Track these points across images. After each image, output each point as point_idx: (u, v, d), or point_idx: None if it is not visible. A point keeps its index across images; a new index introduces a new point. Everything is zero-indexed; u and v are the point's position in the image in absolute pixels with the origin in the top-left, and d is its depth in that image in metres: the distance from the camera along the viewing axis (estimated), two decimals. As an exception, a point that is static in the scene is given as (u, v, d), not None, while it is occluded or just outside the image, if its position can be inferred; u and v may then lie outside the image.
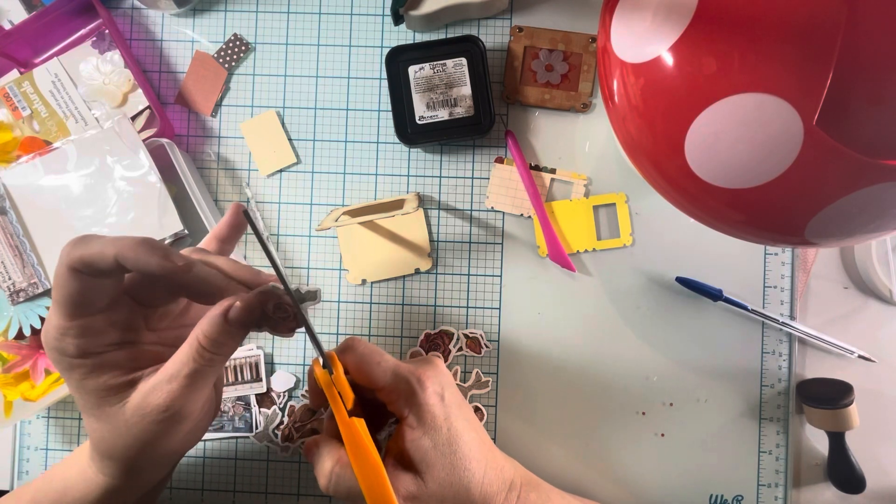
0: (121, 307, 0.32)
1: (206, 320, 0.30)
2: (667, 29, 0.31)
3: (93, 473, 0.34)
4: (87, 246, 0.28)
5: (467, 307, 0.47)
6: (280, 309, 0.31)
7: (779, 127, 0.29)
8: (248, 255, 0.48)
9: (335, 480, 0.34)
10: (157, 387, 0.30)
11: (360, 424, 0.34)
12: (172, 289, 0.32)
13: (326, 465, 0.34)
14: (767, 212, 0.32)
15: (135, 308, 0.33)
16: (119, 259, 0.28)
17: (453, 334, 0.47)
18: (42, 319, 0.44)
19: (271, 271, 0.34)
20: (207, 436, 0.48)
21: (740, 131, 0.30)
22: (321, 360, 0.34)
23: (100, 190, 0.44)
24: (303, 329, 0.32)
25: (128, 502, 0.35)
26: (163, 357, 0.32)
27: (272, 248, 0.31)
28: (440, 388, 0.36)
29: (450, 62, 0.45)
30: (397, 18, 0.45)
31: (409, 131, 0.45)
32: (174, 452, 0.34)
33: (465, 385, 0.47)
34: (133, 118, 0.47)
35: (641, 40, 0.33)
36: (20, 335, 0.45)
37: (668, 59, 0.31)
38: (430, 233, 0.48)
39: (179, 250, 0.32)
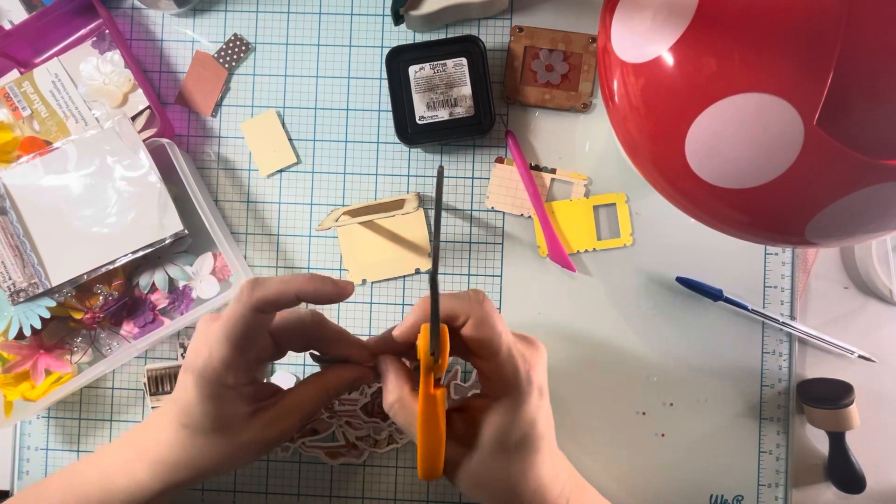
0: (267, 348, 0.35)
1: (337, 379, 0.35)
2: (667, 29, 0.31)
3: (148, 480, 0.35)
4: (266, 289, 0.32)
5: (467, 307, 0.47)
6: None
7: (779, 127, 0.29)
8: (248, 254, 0.48)
9: (393, 414, 0.34)
10: (277, 420, 0.35)
11: (440, 397, 0.32)
12: (311, 338, 0.36)
13: (389, 398, 0.34)
14: (768, 212, 0.32)
15: (273, 350, 0.36)
16: (299, 295, 0.32)
17: (453, 334, 0.47)
18: (42, 320, 0.44)
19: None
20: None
21: (741, 131, 0.30)
22: (433, 347, 0.31)
23: (100, 190, 0.44)
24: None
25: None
26: (274, 391, 0.36)
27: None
28: (542, 381, 0.35)
29: (450, 62, 0.45)
30: (397, 18, 0.45)
31: (409, 131, 0.45)
32: (238, 465, 0.37)
33: (466, 385, 0.47)
34: (133, 118, 0.47)
35: (642, 40, 0.33)
36: (20, 335, 0.45)
37: (669, 60, 0.31)
38: (430, 233, 0.48)
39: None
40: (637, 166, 0.37)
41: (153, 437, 0.35)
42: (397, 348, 0.36)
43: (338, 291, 0.33)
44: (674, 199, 0.36)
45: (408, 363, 0.37)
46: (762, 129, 0.29)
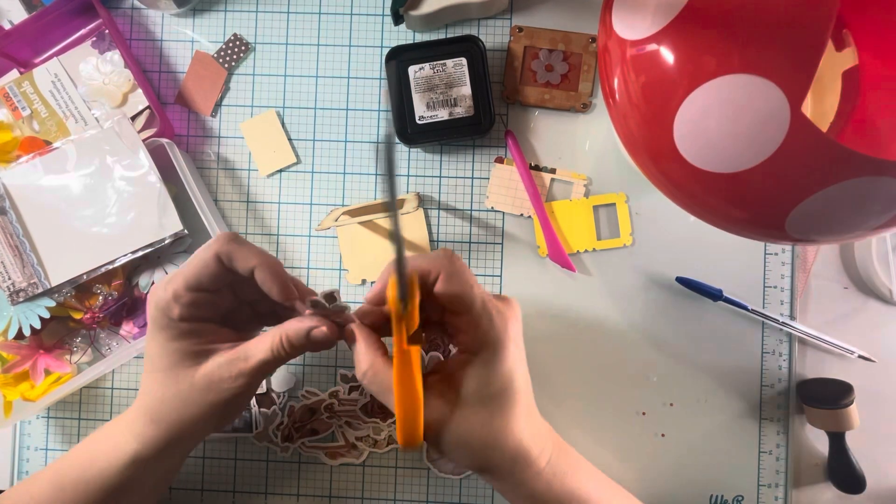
0: (222, 294, 0.36)
1: (293, 327, 0.34)
2: (663, 10, 0.31)
3: (125, 442, 0.36)
4: (239, 248, 0.33)
5: (467, 307, 0.47)
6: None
7: (766, 110, 0.29)
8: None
9: (371, 376, 0.34)
10: (232, 361, 0.34)
11: (415, 354, 0.32)
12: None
13: (362, 365, 0.34)
14: (750, 199, 0.32)
15: (231, 298, 0.37)
16: (255, 273, 0.33)
17: (453, 334, 0.47)
18: (42, 319, 0.44)
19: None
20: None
21: (728, 112, 0.30)
22: (402, 293, 0.31)
23: (100, 190, 0.44)
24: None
25: (148, 477, 0.37)
26: (236, 340, 0.36)
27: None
28: (517, 335, 0.35)
29: (450, 62, 0.45)
30: (397, 18, 0.45)
31: (409, 131, 0.45)
32: (212, 428, 0.36)
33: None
34: (133, 118, 0.47)
35: (641, 21, 0.33)
36: (20, 335, 0.45)
37: (666, 40, 0.31)
38: (430, 233, 0.48)
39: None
40: (637, 163, 0.37)
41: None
42: (374, 319, 0.36)
43: (283, 299, 0.34)
44: (663, 185, 0.36)
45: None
46: (749, 111, 0.29)
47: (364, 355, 0.34)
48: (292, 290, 0.35)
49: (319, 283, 0.48)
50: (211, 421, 0.35)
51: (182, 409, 0.35)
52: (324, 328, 0.34)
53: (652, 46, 0.32)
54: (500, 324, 0.34)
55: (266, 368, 0.35)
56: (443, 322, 0.36)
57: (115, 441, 0.36)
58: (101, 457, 0.36)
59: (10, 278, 0.44)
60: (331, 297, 0.35)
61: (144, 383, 0.36)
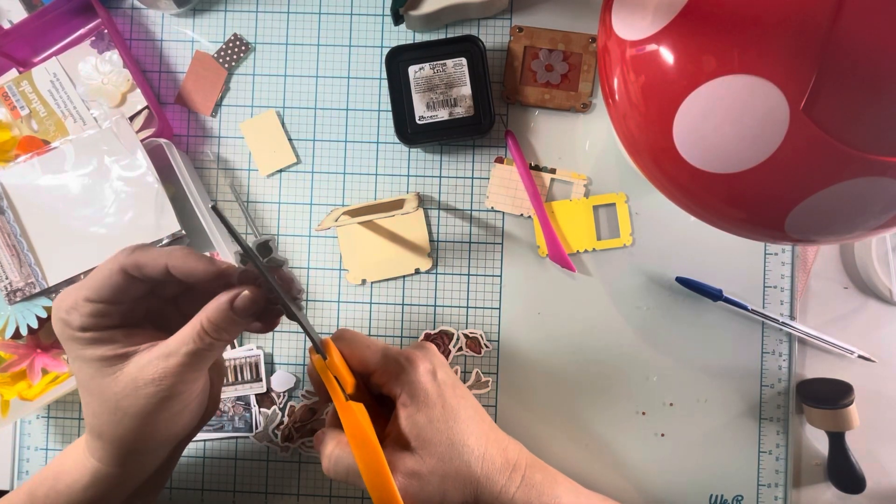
0: (132, 302, 0.34)
1: (212, 306, 0.31)
2: (663, 10, 0.31)
3: (85, 458, 0.35)
4: (144, 253, 0.31)
5: (467, 307, 0.47)
6: (272, 300, 0.32)
7: (765, 111, 0.29)
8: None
9: (334, 461, 0.35)
10: (152, 361, 0.31)
11: (357, 408, 0.34)
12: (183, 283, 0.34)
13: (327, 448, 0.35)
14: (750, 199, 0.32)
15: (142, 297, 0.34)
16: (170, 268, 0.31)
17: (453, 334, 0.47)
18: (39, 319, 0.44)
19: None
20: (207, 436, 0.47)
21: (728, 113, 0.30)
22: (316, 348, 0.35)
23: (97, 190, 0.44)
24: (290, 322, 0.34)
25: (118, 491, 0.35)
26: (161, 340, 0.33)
27: (250, 247, 0.30)
28: (431, 366, 0.37)
29: (450, 62, 0.45)
30: (397, 18, 0.45)
31: (409, 131, 0.45)
32: (164, 435, 0.34)
33: (465, 385, 0.47)
34: (132, 118, 0.47)
35: (641, 21, 0.33)
36: (17, 335, 0.44)
37: (665, 40, 0.31)
38: (430, 233, 0.48)
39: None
40: (637, 164, 0.37)
41: None
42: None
43: (210, 270, 0.31)
44: (663, 185, 0.36)
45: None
46: (748, 112, 0.29)
47: (326, 446, 0.35)
48: (217, 262, 0.32)
49: (320, 283, 0.48)
50: (157, 428, 0.32)
51: (115, 421, 0.32)
52: (246, 292, 0.31)
53: (651, 47, 0.32)
54: (407, 364, 0.36)
55: (196, 361, 0.31)
56: (378, 391, 0.37)
57: (77, 456, 0.35)
58: (69, 471, 0.35)
59: (7, 278, 0.44)
60: (265, 246, 0.30)
61: (81, 399, 0.34)
